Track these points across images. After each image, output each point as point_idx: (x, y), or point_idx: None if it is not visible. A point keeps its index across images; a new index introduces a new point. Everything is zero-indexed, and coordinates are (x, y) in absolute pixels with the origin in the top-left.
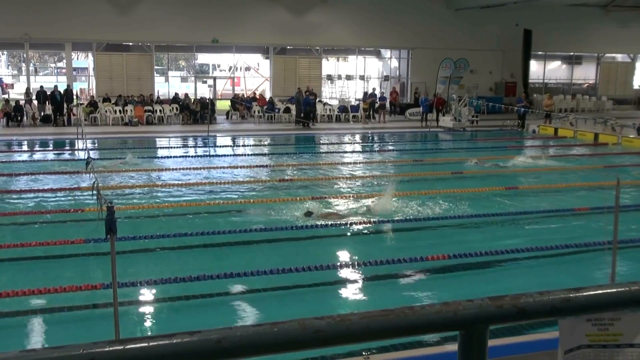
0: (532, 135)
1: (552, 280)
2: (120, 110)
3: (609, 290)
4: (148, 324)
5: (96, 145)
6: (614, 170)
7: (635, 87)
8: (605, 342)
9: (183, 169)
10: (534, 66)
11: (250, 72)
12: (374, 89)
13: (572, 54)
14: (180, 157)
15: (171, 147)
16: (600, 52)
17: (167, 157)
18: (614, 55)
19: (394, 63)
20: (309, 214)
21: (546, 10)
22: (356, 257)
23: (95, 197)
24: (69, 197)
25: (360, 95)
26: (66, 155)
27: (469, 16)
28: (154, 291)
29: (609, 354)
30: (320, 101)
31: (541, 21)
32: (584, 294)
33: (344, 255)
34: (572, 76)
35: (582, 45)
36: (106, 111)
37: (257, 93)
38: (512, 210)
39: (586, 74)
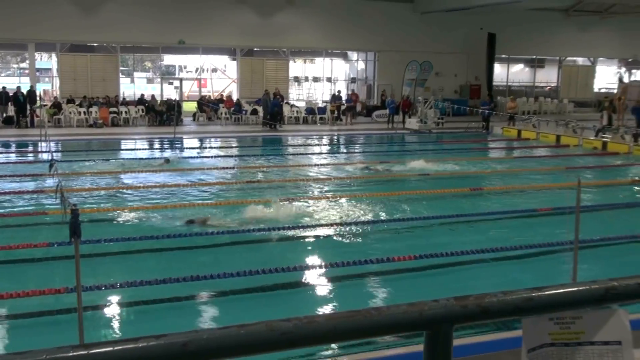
0: (496, 137)
1: (516, 280)
2: (84, 112)
3: (570, 289)
4: (113, 328)
5: (60, 147)
6: (575, 172)
7: (595, 90)
8: (567, 340)
9: (148, 171)
10: (498, 69)
11: (217, 74)
12: (339, 92)
13: (534, 57)
14: (146, 159)
15: (137, 149)
16: (561, 56)
17: (133, 159)
18: (574, 58)
19: (361, 65)
20: (190, 222)
21: (509, 15)
22: (323, 259)
23: (59, 200)
24: (32, 200)
25: (327, 97)
26: (29, 158)
27: (434, 19)
28: (119, 295)
29: (570, 352)
30: (287, 103)
31: (505, 25)
32: (546, 293)
33: (308, 258)
34: (535, 79)
35: (544, 48)
36: (70, 113)
37: (224, 95)
38: (477, 211)
39: (548, 77)
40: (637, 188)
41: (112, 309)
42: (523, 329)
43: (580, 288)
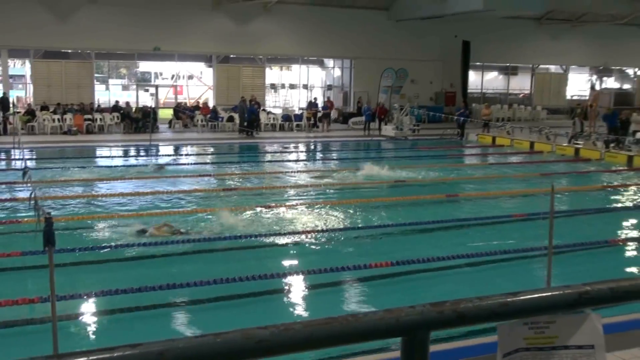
0: (471, 144)
1: (492, 286)
2: (59, 119)
3: (544, 294)
4: (88, 337)
5: (34, 154)
6: (548, 178)
7: (568, 97)
8: (541, 344)
9: (123, 178)
10: (472, 76)
11: (193, 81)
12: (315, 99)
13: (508, 65)
14: (121, 166)
15: (112, 157)
16: (534, 64)
17: (108, 166)
18: (547, 66)
19: (337, 72)
20: (142, 231)
21: (483, 23)
22: (300, 266)
23: (33, 208)
24: (5, 209)
25: (303, 104)
26: (2, 165)
27: (409, 27)
28: (94, 304)
29: (545, 356)
30: (263, 110)
31: (479, 33)
32: (521, 298)
33: (285, 265)
34: (509, 86)
35: (518, 56)
36: (44, 120)
37: (200, 102)
38: (453, 217)
39: (522, 84)
40: (609, 194)
41: (87, 319)
42: (498, 334)
43: (554, 293)
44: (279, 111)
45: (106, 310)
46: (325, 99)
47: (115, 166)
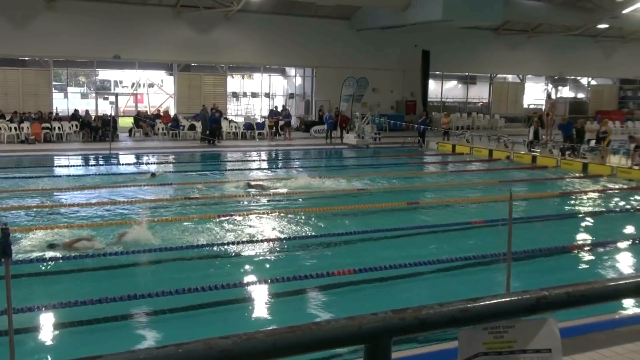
0: (431, 152)
1: (453, 292)
2: (16, 128)
3: (503, 300)
4: (47, 351)
5: None
6: (507, 185)
7: (525, 106)
8: (500, 349)
9: (82, 188)
10: (432, 85)
11: (154, 89)
12: (276, 107)
13: (467, 74)
14: (79, 175)
15: (70, 166)
16: (492, 73)
17: (66, 175)
18: (505, 75)
19: (299, 81)
20: (52, 246)
21: (442, 33)
22: (263, 275)
23: None
24: None
25: (265, 113)
26: None
27: (370, 37)
28: (53, 316)
29: None
30: (225, 118)
31: (438, 43)
32: (481, 304)
33: (248, 274)
34: (468, 95)
35: (476, 66)
36: (1, 128)
37: (161, 110)
38: (414, 224)
39: (480, 93)
40: (565, 200)
41: (46, 331)
42: (459, 339)
43: (513, 298)
44: (241, 120)
45: (65, 323)
46: (281, 108)
47: (73, 175)
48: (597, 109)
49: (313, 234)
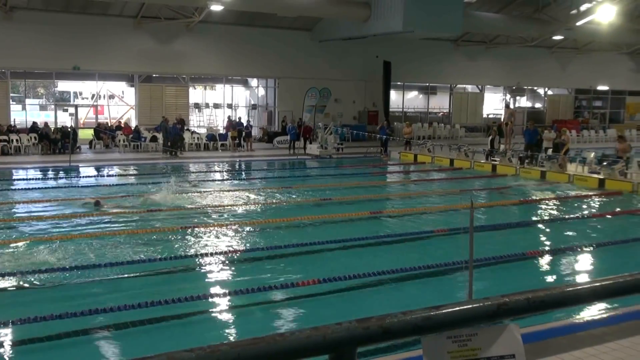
0: (394, 162)
1: (416, 300)
2: None
3: (466, 307)
4: None
5: None
6: (468, 193)
7: (484, 115)
8: (465, 357)
9: (40, 201)
10: (394, 96)
11: (115, 100)
12: (239, 118)
13: (427, 84)
14: (37, 189)
15: (28, 179)
16: (452, 83)
17: (23, 189)
18: (464, 86)
19: (262, 92)
20: None
21: (403, 44)
22: (226, 288)
23: None
24: None
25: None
26: None
27: (332, 47)
28: (11, 332)
29: None
30: (188, 130)
31: (399, 54)
32: (444, 311)
33: (211, 287)
34: (428, 105)
35: (437, 76)
36: None
37: (122, 121)
38: (377, 234)
39: (441, 103)
40: (524, 208)
41: (3, 349)
42: (423, 347)
43: (475, 305)
44: (203, 131)
45: (24, 340)
46: (226, 120)
47: (31, 189)
48: (553, 118)
49: (276, 244)
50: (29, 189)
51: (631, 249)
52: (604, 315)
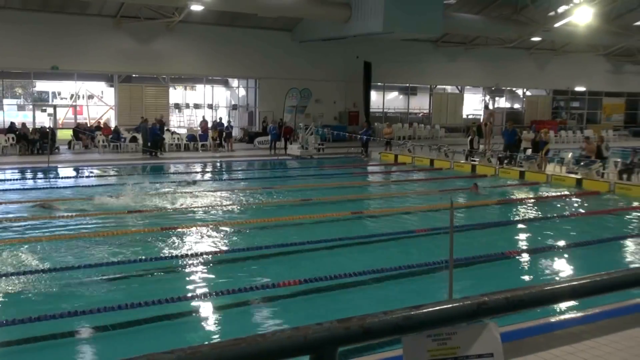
0: (374, 162)
1: (397, 300)
2: None
3: (446, 306)
4: None
5: None
6: (448, 193)
7: (464, 116)
8: (444, 356)
9: (18, 202)
10: (374, 96)
11: (94, 101)
12: (220, 118)
13: (408, 85)
14: (15, 190)
15: (5, 180)
16: (432, 84)
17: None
18: (444, 86)
19: (242, 92)
20: None
21: (383, 45)
22: (207, 288)
23: None
24: None
25: (209, 124)
26: None
27: (312, 48)
28: None
29: None
30: (168, 130)
31: (379, 54)
32: (424, 310)
33: (192, 288)
34: (409, 106)
35: (417, 77)
36: None
37: (102, 122)
38: (358, 234)
39: (421, 103)
40: (503, 207)
41: None
42: (403, 347)
43: (455, 304)
44: (183, 131)
45: (2, 342)
46: (201, 121)
47: (8, 190)
48: (532, 118)
49: (257, 245)
50: (6, 190)
51: (607, 248)
52: (582, 314)
